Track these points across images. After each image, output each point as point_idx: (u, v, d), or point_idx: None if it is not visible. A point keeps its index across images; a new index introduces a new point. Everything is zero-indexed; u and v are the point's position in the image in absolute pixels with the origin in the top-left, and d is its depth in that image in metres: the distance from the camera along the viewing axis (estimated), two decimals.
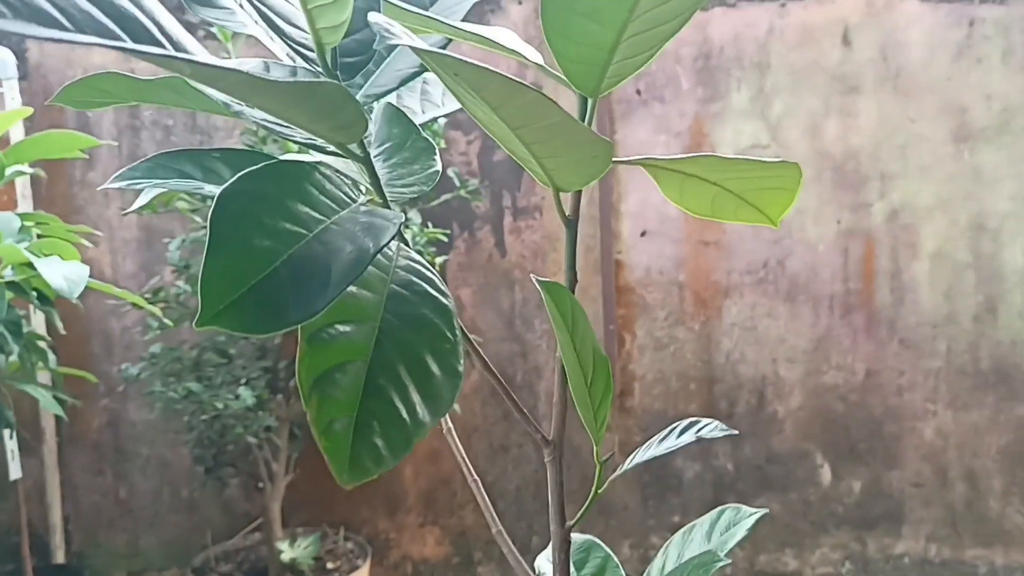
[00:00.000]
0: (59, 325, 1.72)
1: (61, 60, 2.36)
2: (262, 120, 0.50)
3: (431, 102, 0.77)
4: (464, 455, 0.62)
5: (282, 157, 0.48)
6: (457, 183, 2.18)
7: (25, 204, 2.32)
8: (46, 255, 1.39)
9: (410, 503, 2.45)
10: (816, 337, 2.31)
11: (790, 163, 0.67)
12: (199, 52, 0.39)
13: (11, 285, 1.51)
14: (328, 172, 0.47)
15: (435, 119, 0.75)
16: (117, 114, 2.38)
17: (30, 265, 1.41)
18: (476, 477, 0.62)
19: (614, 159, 0.62)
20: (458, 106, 0.73)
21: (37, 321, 2.29)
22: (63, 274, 1.20)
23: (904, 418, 2.30)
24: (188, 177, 0.60)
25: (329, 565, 2.19)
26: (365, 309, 0.44)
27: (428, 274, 0.49)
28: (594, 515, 2.39)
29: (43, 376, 2.04)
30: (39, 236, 1.70)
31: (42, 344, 1.85)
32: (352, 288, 0.44)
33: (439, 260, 2.07)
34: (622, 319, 2.35)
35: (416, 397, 0.43)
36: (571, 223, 0.58)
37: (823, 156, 2.27)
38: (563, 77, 0.57)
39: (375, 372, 0.42)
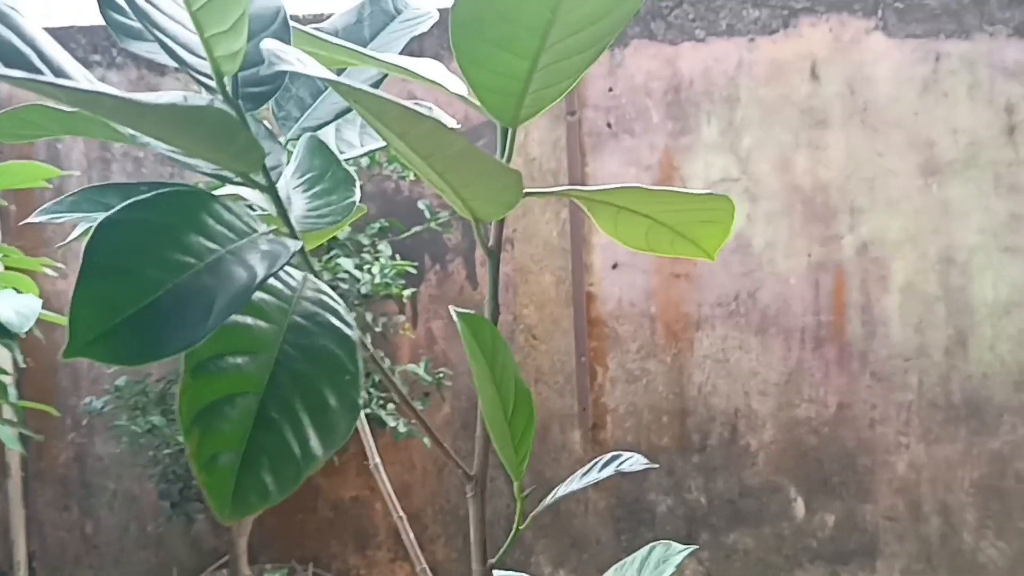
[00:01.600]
0: (19, 358, 1.70)
1: (31, 95, 2.35)
2: (166, 151, 0.50)
3: (370, 135, 0.76)
4: (391, 491, 0.61)
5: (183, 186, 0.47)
6: (428, 215, 2.17)
7: None
8: (1, 288, 1.38)
9: (380, 538, 2.42)
10: (788, 370, 2.30)
11: (720, 196, 0.67)
12: (81, 79, 0.38)
13: None
14: (230, 203, 0.47)
15: (372, 152, 0.74)
16: (87, 145, 2.37)
17: None
18: (402, 514, 0.61)
19: (530, 190, 0.62)
20: None
21: (2, 355, 2.27)
22: (13, 307, 1.19)
23: (877, 451, 2.29)
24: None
25: None
26: (261, 340, 0.43)
27: (334, 305, 0.48)
28: (566, 549, 2.36)
29: (6, 410, 2.02)
30: (5, 268, 1.69)
31: (5, 378, 1.83)
32: (247, 319, 0.44)
33: (407, 292, 2.06)
34: (594, 351, 2.34)
35: (310, 431, 0.42)
36: (492, 253, 0.58)
37: (793, 189, 2.28)
38: (482, 107, 0.57)
39: (268, 405, 0.41)
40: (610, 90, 2.31)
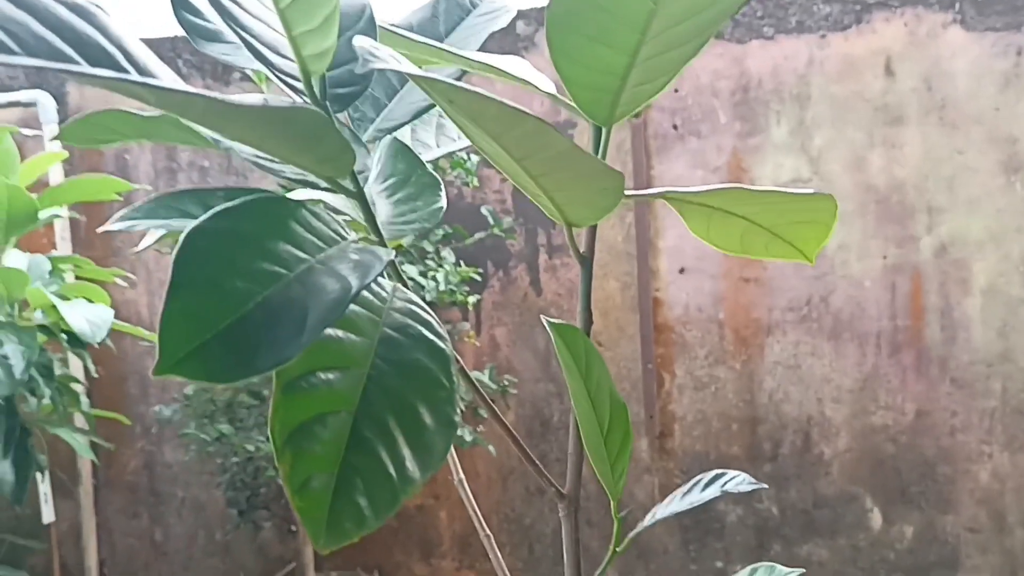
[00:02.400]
0: (91, 368, 1.71)
1: (101, 103, 2.38)
2: (251, 156, 0.48)
3: (447, 136, 0.74)
4: (476, 508, 0.58)
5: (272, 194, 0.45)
6: (491, 221, 2.15)
7: (64, 246, 2.34)
8: (74, 298, 1.39)
9: (445, 547, 2.40)
10: (863, 376, 2.23)
11: (824, 195, 0.63)
12: (167, 79, 0.36)
13: (43, 328, 1.51)
14: (318, 209, 0.44)
15: (453, 154, 0.72)
16: (155, 155, 2.40)
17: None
18: (489, 533, 0.58)
19: (631, 192, 0.58)
20: None
21: (74, 364, 2.30)
22: (86, 317, 1.19)
23: (958, 460, 2.21)
24: (191, 216, 0.58)
25: None
26: (352, 355, 0.41)
27: (425, 316, 0.45)
28: (632, 559, 2.32)
29: (78, 419, 2.04)
30: (77, 278, 1.71)
31: (77, 387, 1.85)
32: (337, 332, 0.41)
33: (472, 299, 2.04)
34: (660, 358, 2.29)
35: (406, 451, 0.39)
36: (586, 261, 0.55)
37: (867, 189, 2.21)
38: (575, 106, 0.54)
39: (361, 424, 0.39)
40: (675, 91, 2.27)
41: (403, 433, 0.40)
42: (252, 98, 0.40)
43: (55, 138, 0.64)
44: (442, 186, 0.55)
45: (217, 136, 0.46)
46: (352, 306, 0.43)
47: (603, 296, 2.31)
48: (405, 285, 0.49)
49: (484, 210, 2.19)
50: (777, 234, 0.68)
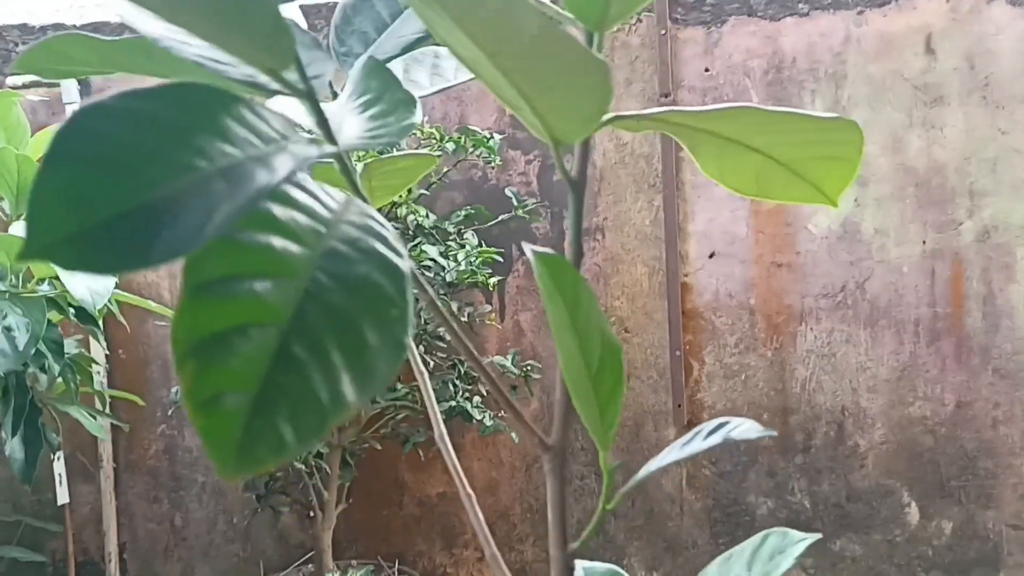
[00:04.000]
0: (103, 344, 1.68)
1: (125, 84, 2.37)
2: (195, 55, 0.43)
3: (441, 76, 0.69)
4: (457, 465, 0.53)
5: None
6: (515, 203, 2.10)
7: None
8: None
9: (468, 536, 2.35)
10: (900, 365, 2.15)
11: (847, 121, 0.57)
12: None
13: (51, 302, 1.48)
14: (263, 110, 0.39)
15: (444, 90, 0.68)
16: None
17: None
18: (470, 491, 0.53)
19: (626, 113, 0.53)
20: (469, 76, 0.65)
21: (95, 347, 2.28)
22: (88, 285, 1.15)
23: (1000, 453, 2.11)
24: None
25: None
26: (288, 264, 0.36)
27: (381, 230, 0.40)
28: (660, 552, 2.25)
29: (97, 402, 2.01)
30: None
31: (94, 368, 1.82)
32: (272, 238, 0.36)
33: (493, 280, 1.98)
34: (689, 345, 2.22)
35: (343, 372, 0.34)
36: (576, 185, 0.49)
37: (906, 171, 2.12)
38: (564, 12, 0.49)
39: (291, 340, 0.34)
40: (706, 70, 2.20)
41: (342, 353, 0.34)
42: None
43: (12, 71, 0.60)
44: (417, 104, 0.50)
45: (172, 36, 0.41)
46: (293, 212, 0.38)
47: (630, 281, 2.25)
48: (366, 201, 0.43)
49: (508, 191, 2.14)
50: (797, 172, 0.62)
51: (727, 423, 0.45)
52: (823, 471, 2.19)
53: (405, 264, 0.39)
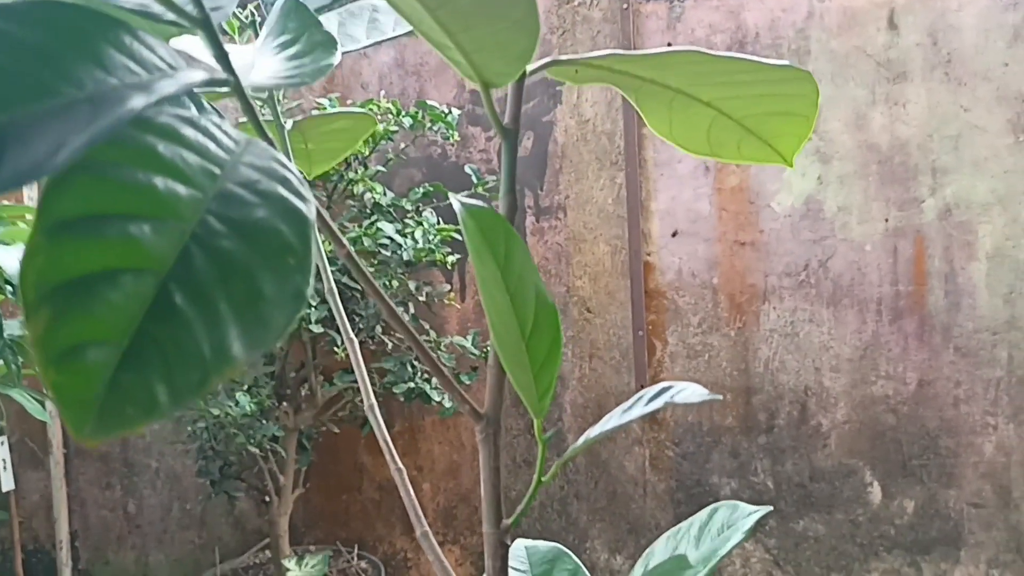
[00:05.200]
0: None
1: None
2: None
3: (379, 30, 0.66)
4: (388, 439, 0.49)
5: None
6: (475, 180, 2.06)
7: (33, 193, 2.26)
8: (17, 243, 1.30)
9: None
10: (863, 344, 2.14)
11: (800, 71, 0.54)
12: None
13: None
14: (151, 39, 0.35)
15: (377, 43, 0.64)
16: None
17: None
18: (401, 466, 0.49)
19: (563, 57, 0.49)
20: (408, 28, 0.61)
21: None
22: (19, 258, 1.10)
23: (961, 432, 2.11)
24: None
25: None
26: (171, 205, 0.32)
27: (283, 173, 0.36)
28: (623, 534, 2.23)
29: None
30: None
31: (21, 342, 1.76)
32: (153, 176, 0.32)
33: (452, 259, 1.94)
34: (652, 325, 2.20)
35: (230, 324, 0.30)
36: (509, 133, 0.45)
37: (869, 149, 2.11)
38: None
39: (172, 288, 0.30)
40: (668, 45, 2.16)
41: (231, 304, 0.30)
42: None
43: None
44: (337, 46, 0.46)
45: None
46: (181, 151, 0.34)
47: (592, 260, 2.22)
48: (273, 146, 0.39)
49: (468, 168, 2.10)
50: (750, 129, 0.59)
51: (670, 387, 0.41)
52: (786, 451, 2.18)
53: (309, 209, 0.35)
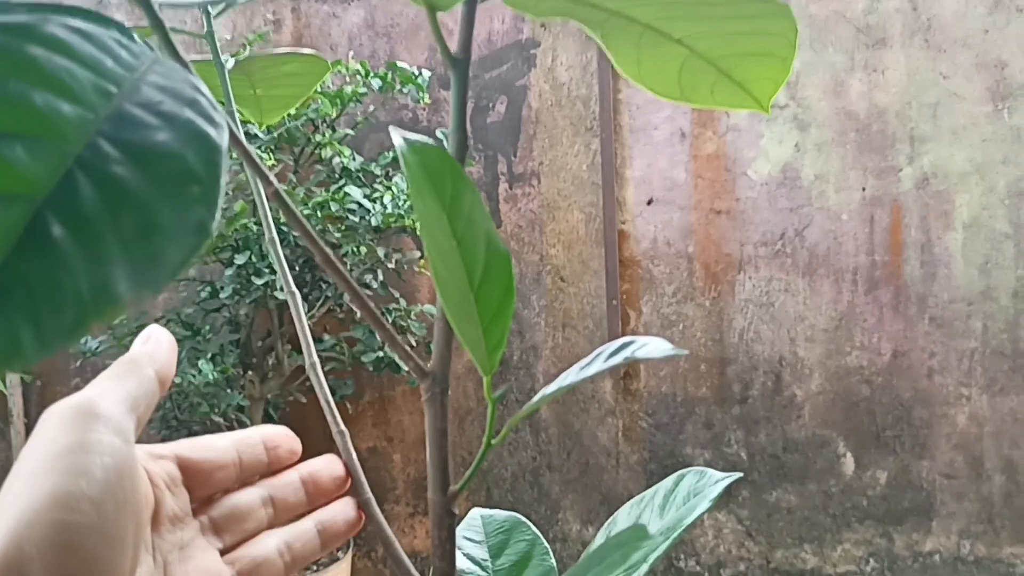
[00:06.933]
0: None
1: None
2: None
3: None
4: (329, 398, 0.45)
5: None
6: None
7: None
8: None
9: (399, 492, 2.29)
10: (838, 314, 2.12)
11: (778, 5, 0.50)
12: None
13: None
14: None
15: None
16: None
17: None
18: (343, 429, 0.45)
19: None
20: None
21: None
22: None
23: (935, 403, 2.10)
24: None
25: None
26: (53, 124, 0.27)
27: (193, 95, 0.32)
28: (595, 505, 2.21)
29: None
30: None
31: None
32: (32, 91, 0.28)
33: None
34: (626, 294, 2.17)
35: (117, 259, 0.26)
36: (458, 62, 0.41)
37: (847, 116, 2.08)
38: None
39: (48, 216, 0.26)
40: None
41: (118, 236, 0.26)
42: None
43: None
44: None
45: None
46: (68, 63, 0.30)
47: (566, 228, 2.18)
48: (186, 66, 0.35)
49: (439, 133, 2.05)
50: (723, 70, 0.55)
51: (632, 342, 0.38)
52: (760, 421, 2.17)
53: (220, 135, 0.31)
